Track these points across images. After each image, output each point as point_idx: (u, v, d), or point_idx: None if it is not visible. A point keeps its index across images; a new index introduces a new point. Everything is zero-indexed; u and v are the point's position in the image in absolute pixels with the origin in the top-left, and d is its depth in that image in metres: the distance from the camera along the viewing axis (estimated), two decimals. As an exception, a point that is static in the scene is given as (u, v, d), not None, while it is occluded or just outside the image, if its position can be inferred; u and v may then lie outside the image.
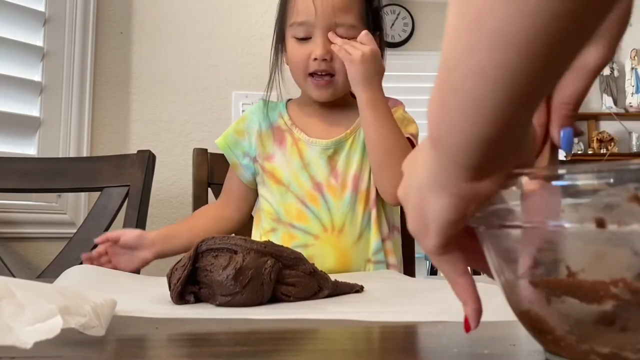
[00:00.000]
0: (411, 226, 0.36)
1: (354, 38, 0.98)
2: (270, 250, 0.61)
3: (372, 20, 1.05)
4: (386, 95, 1.11)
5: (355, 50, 0.94)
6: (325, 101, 1.04)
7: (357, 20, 1.01)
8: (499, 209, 0.32)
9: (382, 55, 1.07)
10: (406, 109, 1.11)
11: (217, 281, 0.57)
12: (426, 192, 0.33)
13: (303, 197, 1.02)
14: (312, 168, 1.03)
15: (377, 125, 0.96)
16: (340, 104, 1.09)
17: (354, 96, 0.99)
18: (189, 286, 0.60)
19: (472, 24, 0.25)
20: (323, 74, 1.00)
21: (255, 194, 1.10)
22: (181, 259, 0.62)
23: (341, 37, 0.99)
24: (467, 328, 0.36)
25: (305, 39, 1.00)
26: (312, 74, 1.01)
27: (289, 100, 1.13)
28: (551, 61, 0.25)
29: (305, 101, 1.10)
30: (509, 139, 0.29)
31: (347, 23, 0.99)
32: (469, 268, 0.36)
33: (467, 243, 0.35)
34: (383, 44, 1.09)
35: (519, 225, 0.32)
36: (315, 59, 0.99)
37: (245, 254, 0.59)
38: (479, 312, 0.35)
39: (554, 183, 0.29)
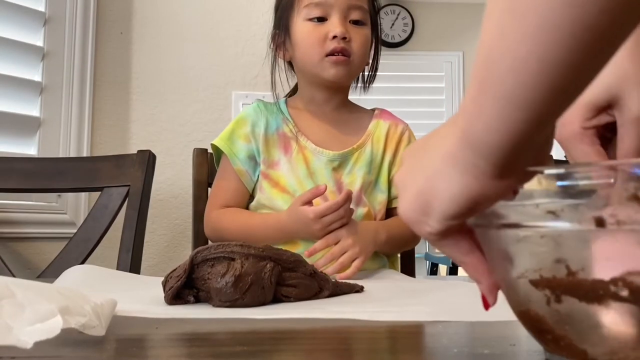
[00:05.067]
0: (409, 212, 0.35)
1: (363, 26, 1.02)
2: (268, 254, 0.59)
3: (373, 20, 1.06)
4: (386, 95, 1.11)
5: (349, 254, 0.89)
6: (340, 81, 1.02)
7: (366, 12, 1.03)
8: (499, 208, 0.32)
9: (378, 54, 1.09)
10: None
11: (216, 288, 0.56)
12: (440, 180, 0.32)
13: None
14: (317, 177, 1.01)
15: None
16: (348, 109, 1.08)
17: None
18: (186, 290, 0.59)
19: (516, 15, 0.25)
20: (341, 53, 0.99)
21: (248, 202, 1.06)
22: (177, 268, 0.60)
23: (353, 21, 1.01)
24: (486, 306, 0.35)
25: (320, 20, 1.00)
26: (328, 54, 0.99)
27: (286, 97, 1.10)
28: (594, 56, 0.24)
29: (309, 101, 1.07)
30: (540, 138, 0.28)
31: (362, 6, 1.01)
32: (475, 246, 0.35)
33: (468, 229, 0.35)
34: (379, 44, 1.09)
35: (518, 224, 0.32)
36: (335, 36, 0.97)
37: (243, 259, 0.57)
38: (494, 287, 0.35)
39: (558, 183, 0.29)
